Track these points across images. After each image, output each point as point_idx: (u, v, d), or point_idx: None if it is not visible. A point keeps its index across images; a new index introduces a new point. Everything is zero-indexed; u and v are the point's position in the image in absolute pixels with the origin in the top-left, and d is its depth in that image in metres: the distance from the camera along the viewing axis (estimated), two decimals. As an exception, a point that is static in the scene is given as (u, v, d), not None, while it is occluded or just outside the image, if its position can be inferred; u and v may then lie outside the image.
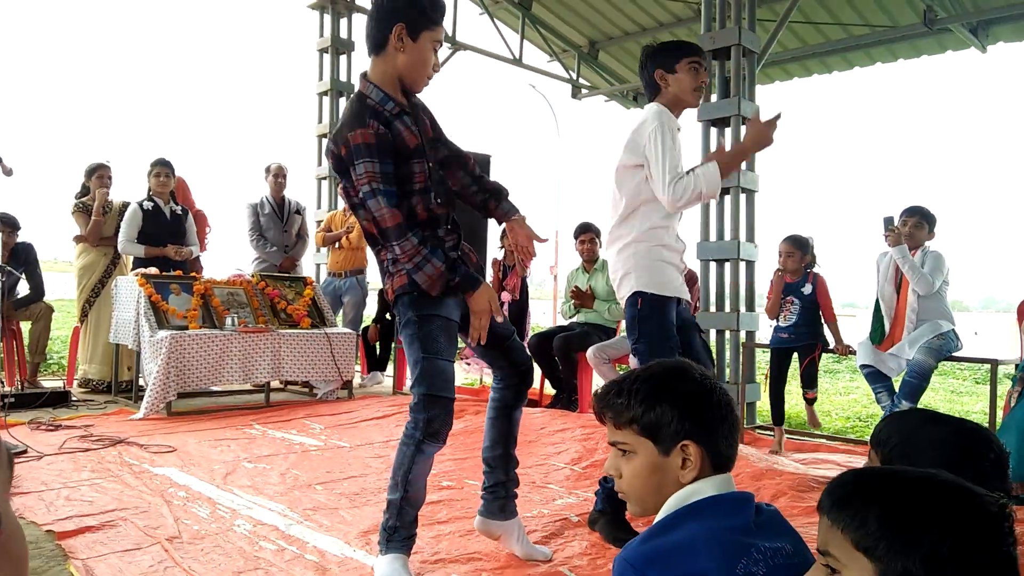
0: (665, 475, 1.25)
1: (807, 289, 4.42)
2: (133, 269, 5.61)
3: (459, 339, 2.36)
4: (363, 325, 6.88)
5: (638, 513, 1.32)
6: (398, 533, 2.24)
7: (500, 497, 2.43)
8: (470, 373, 6.49)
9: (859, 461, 3.94)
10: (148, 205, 5.72)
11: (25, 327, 5.85)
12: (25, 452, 3.67)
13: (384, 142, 2.08)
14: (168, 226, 5.79)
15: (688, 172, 2.56)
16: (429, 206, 2.22)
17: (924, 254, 4.13)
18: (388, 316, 6.84)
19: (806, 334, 4.41)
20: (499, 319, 2.27)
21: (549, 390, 5.85)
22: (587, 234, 5.67)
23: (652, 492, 1.26)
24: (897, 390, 4.08)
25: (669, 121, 2.61)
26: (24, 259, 5.66)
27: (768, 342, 4.66)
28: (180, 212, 5.90)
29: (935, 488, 0.93)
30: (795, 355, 4.51)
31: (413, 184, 2.18)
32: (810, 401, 4.61)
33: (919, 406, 3.97)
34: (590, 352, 5.13)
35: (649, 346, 2.60)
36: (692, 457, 1.23)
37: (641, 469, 1.26)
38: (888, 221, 4.16)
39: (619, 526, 2.55)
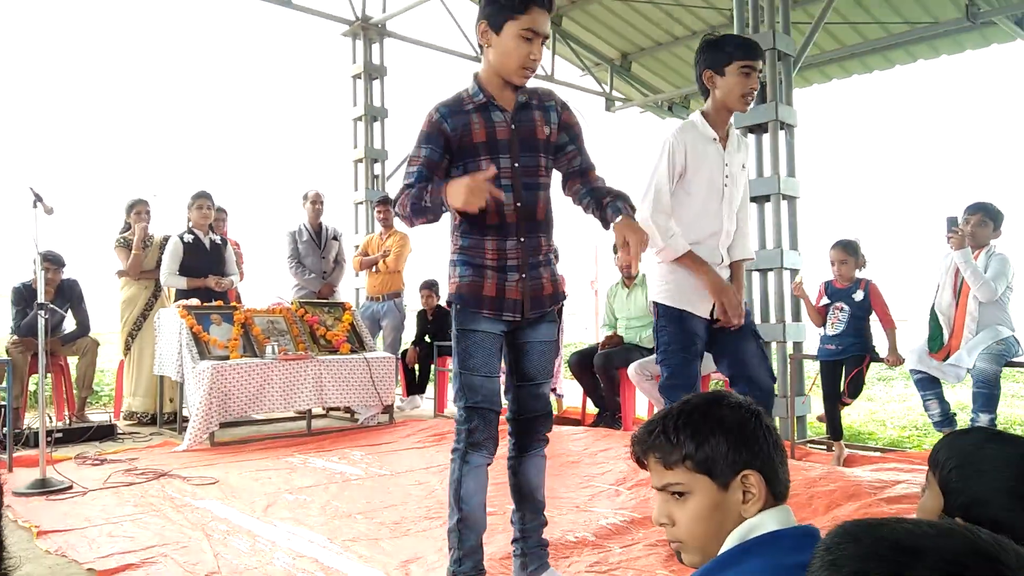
0: (727, 513, 1.16)
1: (858, 295, 4.25)
2: (175, 301, 5.68)
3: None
4: (402, 348, 6.86)
5: (696, 563, 1.19)
6: (463, 565, 2.17)
7: (517, 555, 2.35)
8: None
9: (918, 474, 3.76)
10: (188, 238, 5.79)
11: (72, 362, 5.94)
12: (70, 488, 3.70)
13: (435, 130, 2.14)
14: (209, 257, 5.85)
15: (673, 234, 2.55)
16: (500, 208, 2.14)
17: (989, 256, 3.90)
18: (427, 339, 6.81)
19: (854, 345, 4.23)
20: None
21: (592, 409, 5.75)
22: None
23: (714, 534, 1.16)
24: (972, 404, 3.84)
25: (681, 139, 2.57)
26: (69, 295, 5.75)
27: (816, 353, 4.48)
28: (220, 242, 5.97)
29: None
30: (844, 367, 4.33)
31: None
32: (843, 405, 4.42)
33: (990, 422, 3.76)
34: (631, 369, 5.02)
35: (665, 356, 2.55)
36: (754, 488, 1.15)
37: (701, 510, 1.16)
38: (952, 221, 3.88)
39: None
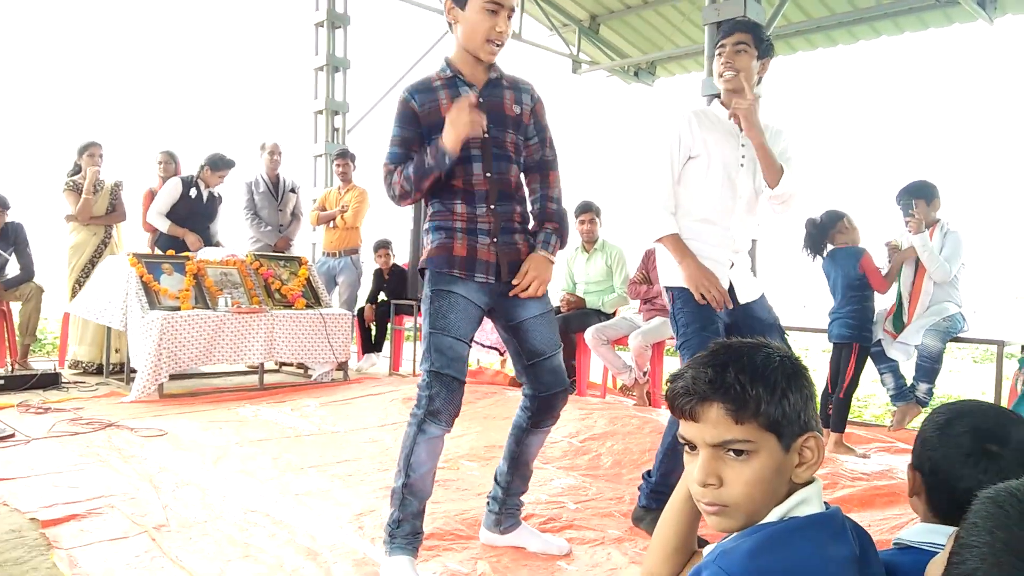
0: (783, 476, 1.08)
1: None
2: (155, 242, 5.95)
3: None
4: (358, 306, 6.80)
5: (735, 528, 1.09)
6: (401, 528, 2.13)
7: (494, 511, 2.36)
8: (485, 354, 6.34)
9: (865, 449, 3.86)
10: (193, 192, 5.92)
11: (16, 308, 5.76)
12: (12, 436, 3.60)
13: (406, 110, 2.15)
14: (203, 208, 6.01)
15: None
16: (469, 178, 2.14)
17: (944, 235, 3.95)
18: (383, 296, 6.75)
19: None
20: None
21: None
22: (587, 214, 5.54)
23: (768, 499, 1.07)
24: (914, 372, 3.96)
25: (677, 124, 2.59)
26: (14, 239, 5.56)
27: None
28: (217, 196, 6.14)
29: None
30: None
31: None
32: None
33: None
34: (589, 333, 5.05)
35: (684, 339, 2.43)
36: (813, 452, 1.08)
37: (763, 472, 1.06)
38: (906, 207, 3.95)
39: None
